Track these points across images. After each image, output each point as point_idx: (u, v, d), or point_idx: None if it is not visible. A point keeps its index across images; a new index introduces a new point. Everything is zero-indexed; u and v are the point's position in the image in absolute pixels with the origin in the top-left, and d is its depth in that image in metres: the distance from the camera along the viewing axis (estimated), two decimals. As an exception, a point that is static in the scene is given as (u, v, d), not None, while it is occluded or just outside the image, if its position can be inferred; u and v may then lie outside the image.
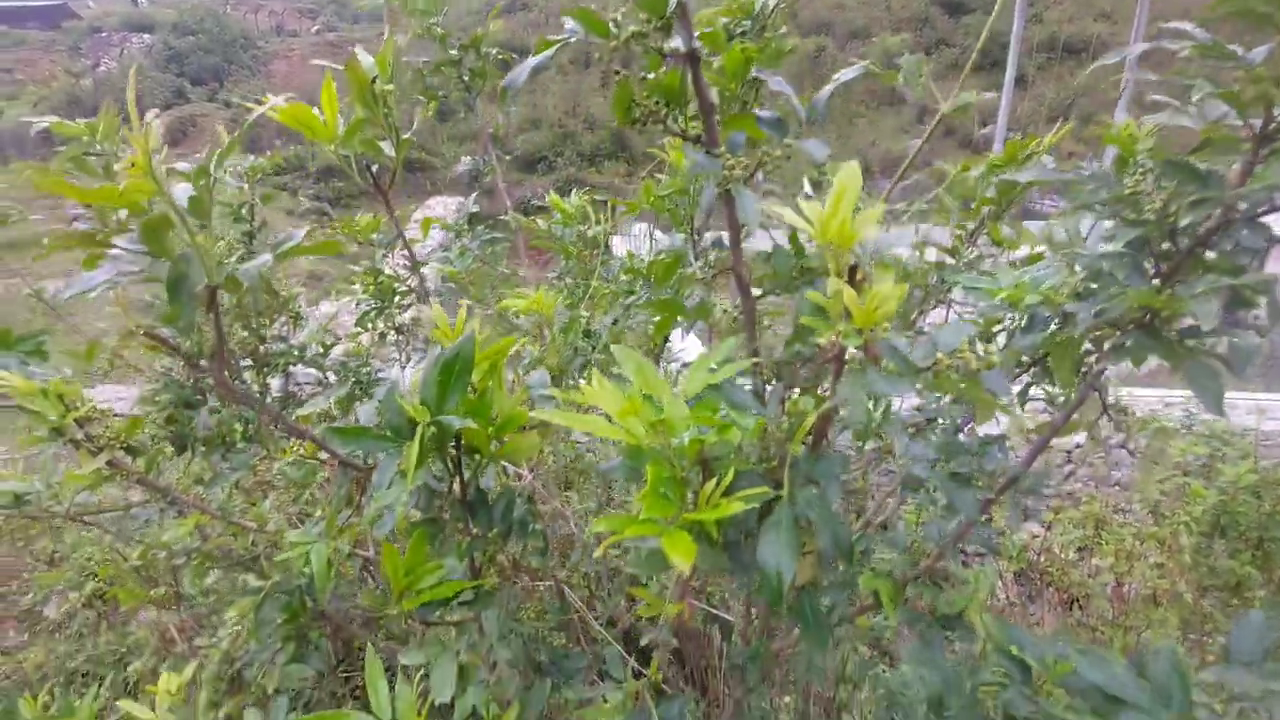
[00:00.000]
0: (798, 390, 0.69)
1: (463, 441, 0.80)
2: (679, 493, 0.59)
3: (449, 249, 2.27)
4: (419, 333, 2.34)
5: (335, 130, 0.84)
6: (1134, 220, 0.79)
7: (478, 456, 0.82)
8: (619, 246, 1.89)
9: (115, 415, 1.32)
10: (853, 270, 0.44)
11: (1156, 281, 0.78)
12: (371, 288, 2.10)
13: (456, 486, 0.82)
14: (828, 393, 0.61)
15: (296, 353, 2.01)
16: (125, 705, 1.06)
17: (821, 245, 0.43)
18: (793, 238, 0.76)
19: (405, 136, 0.93)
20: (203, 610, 2.28)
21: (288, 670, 1.48)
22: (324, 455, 1.43)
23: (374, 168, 0.98)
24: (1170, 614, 2.93)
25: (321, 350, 2.05)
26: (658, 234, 1.88)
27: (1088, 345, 0.93)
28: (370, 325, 2.21)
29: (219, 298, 0.67)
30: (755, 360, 0.67)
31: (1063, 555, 3.35)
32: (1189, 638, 2.88)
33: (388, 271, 2.12)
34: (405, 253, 2.13)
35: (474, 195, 2.39)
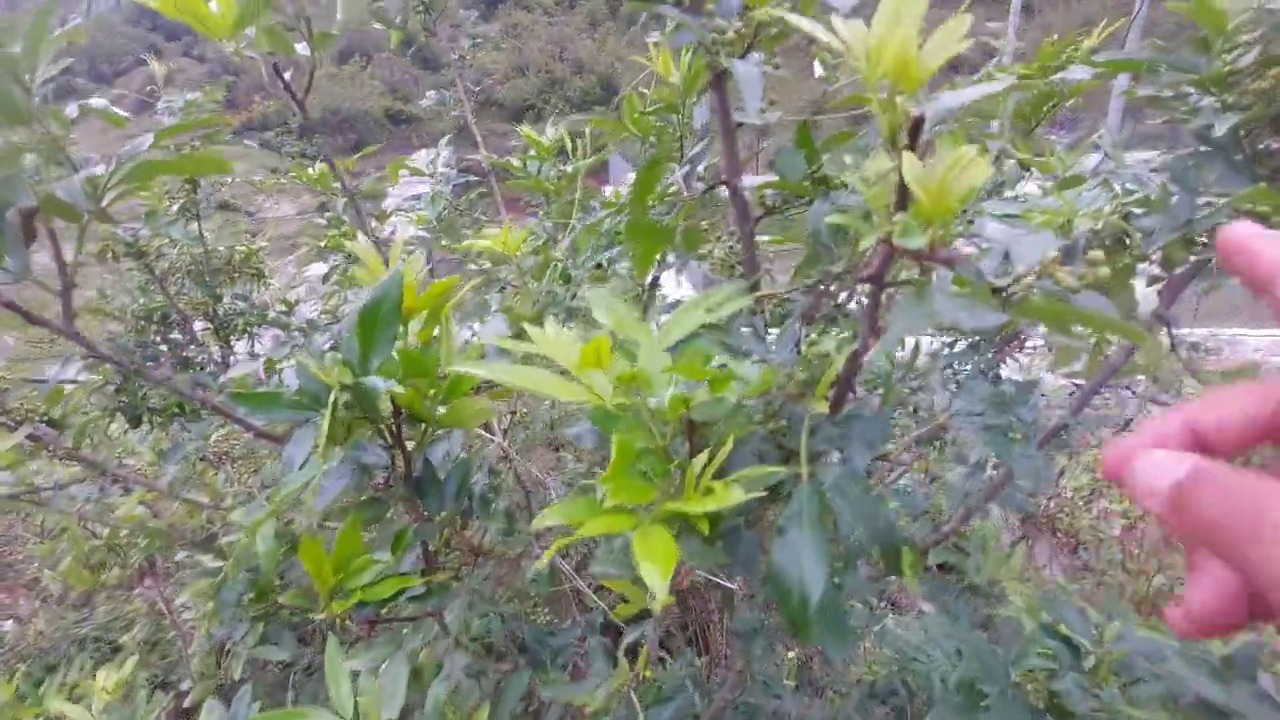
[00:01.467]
0: (809, 331, 0.54)
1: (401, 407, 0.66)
2: (661, 467, 0.45)
3: (421, 199, 2.08)
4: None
5: (230, 20, 0.67)
6: (1233, 105, 0.63)
7: (422, 424, 0.68)
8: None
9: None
10: (915, 127, 0.28)
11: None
12: (336, 240, 1.93)
13: (400, 459, 0.68)
14: (860, 331, 0.46)
15: (257, 313, 1.85)
16: (61, 706, 0.95)
17: (870, 82, 0.27)
18: (802, 133, 0.60)
19: (325, 30, 0.75)
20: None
21: (256, 653, 1.38)
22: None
23: (288, 73, 0.81)
24: (1179, 558, 2.86)
25: (285, 309, 1.89)
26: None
27: (1154, 269, 0.77)
28: (340, 281, 2.04)
29: (42, 223, 0.51)
30: (759, 295, 0.52)
31: (1073, 499, 3.26)
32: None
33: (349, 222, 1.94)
34: (368, 204, 1.95)
35: (447, 139, 2.18)
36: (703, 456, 0.43)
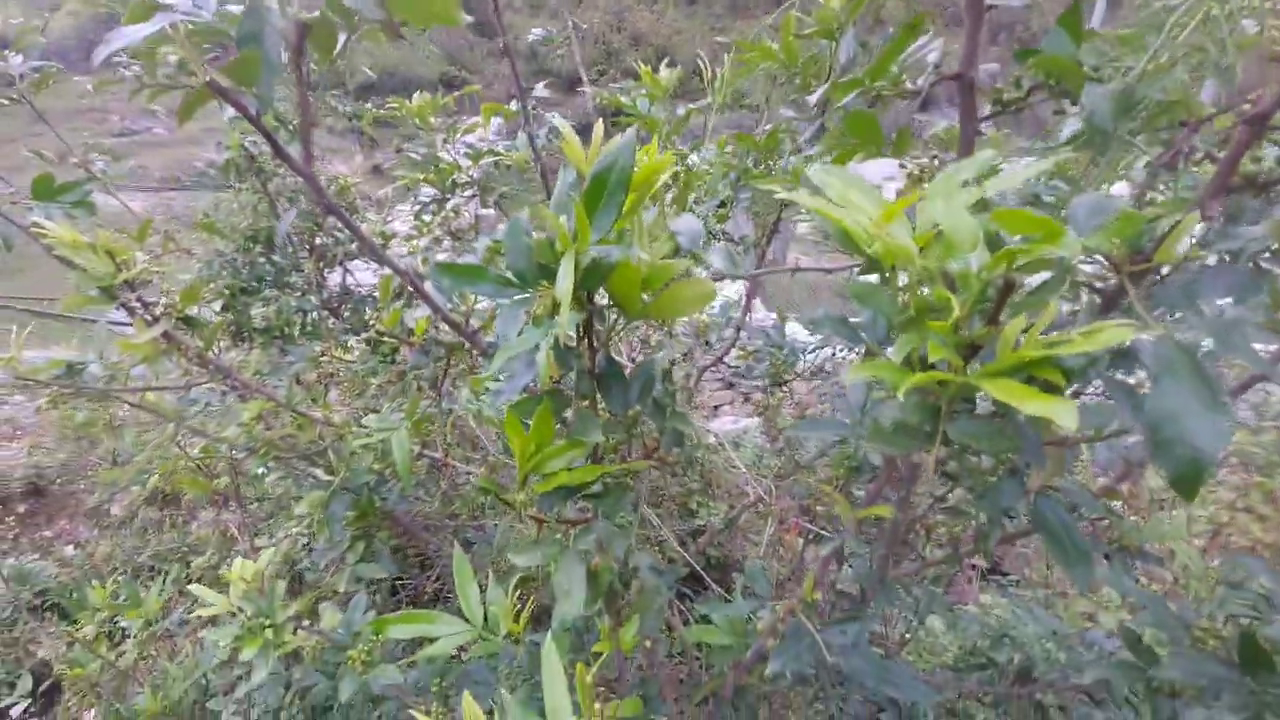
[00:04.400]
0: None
1: (597, 295, 0.64)
2: (954, 340, 0.42)
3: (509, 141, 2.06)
4: (474, 236, 2.17)
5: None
6: None
7: (613, 315, 0.66)
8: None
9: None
10: None
11: None
12: (430, 176, 1.92)
13: (585, 353, 0.66)
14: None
15: (354, 245, 1.87)
16: (197, 589, 0.98)
17: None
18: (1070, 16, 0.55)
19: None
20: (260, 514, 2.26)
21: (357, 569, 1.41)
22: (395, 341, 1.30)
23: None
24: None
25: (383, 241, 1.90)
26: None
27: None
28: (426, 223, 2.05)
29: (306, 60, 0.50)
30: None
31: (1147, 507, 3.11)
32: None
33: (447, 159, 1.94)
34: (467, 138, 1.94)
35: (544, 83, 2.15)
36: (1020, 320, 0.40)
